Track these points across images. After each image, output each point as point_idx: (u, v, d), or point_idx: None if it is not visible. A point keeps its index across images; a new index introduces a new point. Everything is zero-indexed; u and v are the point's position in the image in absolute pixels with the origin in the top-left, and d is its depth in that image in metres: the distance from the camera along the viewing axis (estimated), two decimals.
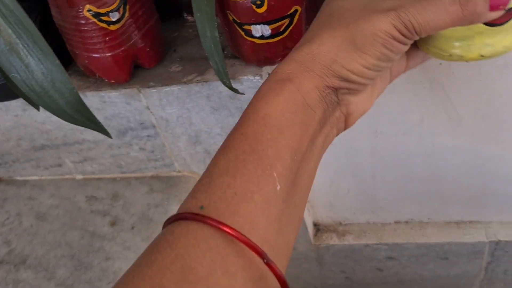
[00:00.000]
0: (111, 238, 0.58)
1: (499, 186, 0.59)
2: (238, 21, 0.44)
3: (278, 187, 0.28)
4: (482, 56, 0.34)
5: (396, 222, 0.68)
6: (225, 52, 0.52)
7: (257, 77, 0.48)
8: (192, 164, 0.61)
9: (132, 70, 0.53)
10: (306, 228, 0.68)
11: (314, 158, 0.32)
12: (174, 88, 0.51)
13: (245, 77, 0.48)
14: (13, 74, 0.30)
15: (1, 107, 0.59)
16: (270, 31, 0.44)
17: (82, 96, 0.53)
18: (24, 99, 0.36)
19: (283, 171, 0.28)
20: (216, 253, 0.25)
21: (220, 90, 0.50)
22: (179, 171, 0.63)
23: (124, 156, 0.62)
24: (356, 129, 0.54)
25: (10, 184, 0.70)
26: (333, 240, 0.69)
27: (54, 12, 0.48)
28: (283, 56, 0.46)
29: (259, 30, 0.44)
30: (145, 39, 0.50)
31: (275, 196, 0.28)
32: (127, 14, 0.47)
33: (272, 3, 0.42)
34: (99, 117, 0.56)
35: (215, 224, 0.26)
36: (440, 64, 0.47)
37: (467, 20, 0.29)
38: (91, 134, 0.60)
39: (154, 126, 0.56)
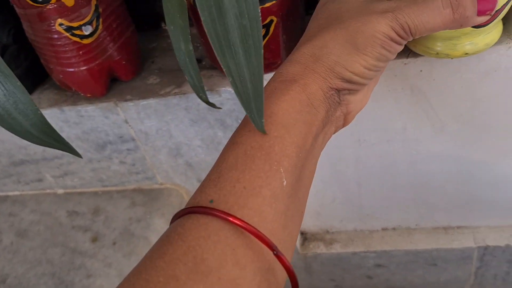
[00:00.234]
0: (92, 255, 0.57)
1: (485, 191, 0.58)
2: None
3: (285, 183, 0.29)
4: (466, 54, 0.38)
5: (384, 229, 0.68)
6: (203, 63, 0.51)
7: None
8: (174, 177, 0.60)
9: (109, 83, 0.52)
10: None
11: (316, 155, 0.33)
12: (152, 101, 0.50)
13: (223, 88, 0.47)
14: None
15: None
16: None
17: (59, 111, 0.53)
18: None
19: (289, 167, 0.29)
20: (227, 244, 0.26)
21: (198, 102, 0.49)
22: (161, 183, 0.62)
23: (104, 170, 0.61)
24: (340, 138, 0.54)
25: None
26: (321, 249, 0.68)
27: (25, 26, 0.47)
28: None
29: None
30: (121, 52, 0.49)
31: (282, 191, 0.29)
32: (100, 27, 0.46)
33: None
34: (77, 131, 0.55)
35: (225, 217, 0.26)
36: (421, 71, 0.46)
37: (457, 23, 0.31)
38: None
39: (133, 139, 0.55)
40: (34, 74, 0.56)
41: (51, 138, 0.31)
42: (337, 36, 0.32)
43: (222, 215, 0.26)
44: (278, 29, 0.43)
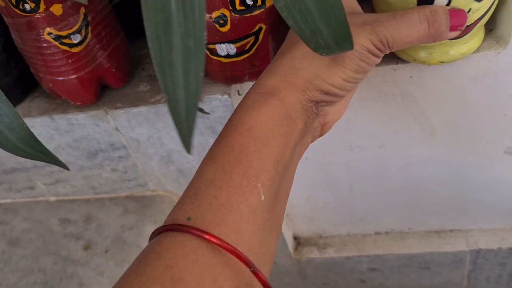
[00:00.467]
0: (84, 263, 0.56)
1: (477, 194, 0.58)
2: None
3: (262, 198, 0.29)
4: (442, 62, 0.40)
5: (377, 233, 0.68)
6: None
7: (225, 96, 0.47)
8: (166, 184, 0.60)
9: (99, 91, 0.51)
10: (285, 242, 0.67)
11: (293, 166, 0.34)
12: (142, 109, 0.50)
13: (213, 95, 0.47)
14: None
15: None
16: (235, 49, 0.43)
17: (49, 119, 0.53)
18: None
19: (266, 181, 0.29)
20: (204, 263, 0.26)
21: None
22: (153, 190, 0.62)
23: (96, 177, 0.61)
24: (331, 143, 0.54)
25: None
26: (314, 254, 0.68)
27: (14, 35, 0.47)
28: (251, 74, 0.45)
29: (224, 49, 0.43)
30: (111, 60, 0.49)
31: (260, 206, 0.29)
32: (89, 36, 0.46)
33: (236, 21, 0.41)
34: (68, 139, 0.55)
35: (202, 235, 0.26)
36: (411, 77, 0.46)
37: (432, 37, 0.33)
38: (59, 157, 0.58)
39: (125, 147, 0.55)
40: (24, 83, 0.55)
41: (37, 151, 0.31)
42: None
43: (199, 233, 0.26)
44: (267, 36, 0.43)
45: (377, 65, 0.35)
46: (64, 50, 0.46)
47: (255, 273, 0.27)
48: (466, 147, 0.52)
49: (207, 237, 0.26)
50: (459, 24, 0.33)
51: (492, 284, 0.69)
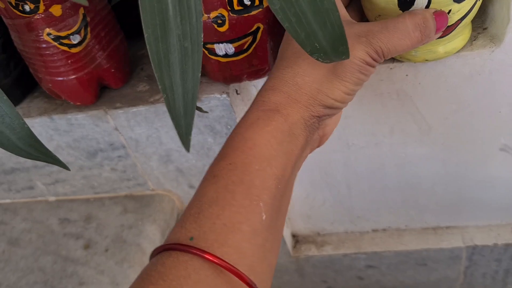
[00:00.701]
0: (84, 262, 0.57)
1: (473, 191, 0.59)
2: None
3: (264, 217, 0.29)
4: (426, 60, 0.42)
5: (374, 231, 0.68)
6: None
7: (224, 95, 0.47)
8: (165, 183, 0.61)
9: (99, 91, 0.52)
10: (284, 240, 0.68)
11: (293, 181, 0.34)
12: (142, 109, 0.50)
13: (212, 95, 0.47)
14: None
15: None
16: (233, 49, 0.43)
17: (49, 119, 0.53)
18: None
19: (268, 200, 0.30)
20: (206, 283, 0.27)
21: None
22: (153, 190, 0.62)
23: (96, 177, 0.61)
24: (329, 142, 0.54)
25: None
26: (312, 251, 0.69)
27: (13, 36, 0.47)
28: (249, 73, 0.46)
29: (222, 48, 0.43)
30: (110, 60, 0.50)
31: (261, 226, 0.29)
32: (89, 36, 0.47)
33: (233, 21, 0.41)
34: (68, 139, 0.55)
35: (205, 256, 0.27)
36: (407, 75, 0.47)
37: (423, 43, 0.35)
38: (59, 157, 0.58)
39: (124, 147, 0.56)
40: (24, 83, 0.56)
41: (38, 152, 0.31)
42: (318, 65, 0.33)
43: (201, 254, 0.27)
44: (265, 36, 0.43)
45: None
46: (64, 51, 0.46)
47: None
48: (462, 145, 0.53)
49: (209, 257, 0.27)
50: (441, 26, 0.34)
51: (488, 280, 0.70)
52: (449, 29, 0.37)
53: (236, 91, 0.49)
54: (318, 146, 0.38)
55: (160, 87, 0.28)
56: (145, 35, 0.28)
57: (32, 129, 0.55)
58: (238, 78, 0.46)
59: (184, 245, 0.28)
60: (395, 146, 0.54)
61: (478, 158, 0.54)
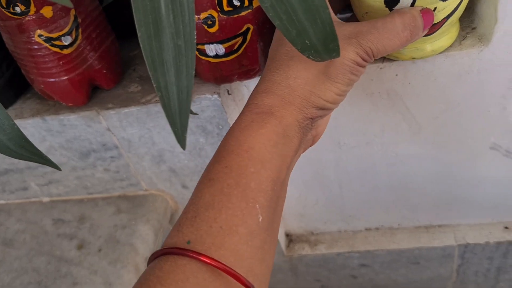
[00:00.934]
0: (78, 262, 0.57)
1: (463, 190, 0.59)
2: None
3: (260, 218, 0.29)
4: (413, 58, 0.42)
5: (367, 229, 0.69)
6: None
7: (215, 95, 0.47)
8: (158, 183, 0.61)
9: (91, 92, 0.52)
10: (278, 240, 0.68)
11: (287, 181, 0.34)
12: (133, 109, 0.50)
13: (203, 95, 0.48)
14: None
15: None
16: (224, 49, 0.43)
17: (41, 120, 0.53)
18: None
19: (265, 202, 0.30)
20: (205, 286, 0.27)
21: None
22: (146, 190, 0.63)
23: (89, 178, 0.61)
24: (321, 141, 0.55)
25: None
26: (306, 250, 0.69)
27: (5, 38, 0.47)
28: (240, 73, 0.46)
29: (212, 49, 0.43)
30: (102, 61, 0.50)
31: (258, 227, 0.29)
32: (80, 37, 0.47)
33: (223, 22, 0.41)
34: (60, 140, 0.55)
35: (203, 259, 0.27)
36: (397, 75, 0.47)
37: (412, 41, 0.35)
38: (52, 158, 0.59)
39: (117, 147, 0.56)
40: (16, 85, 0.56)
41: (29, 152, 0.31)
42: (310, 67, 0.33)
43: (199, 257, 0.27)
44: (255, 36, 0.43)
45: None
46: (55, 52, 0.46)
47: None
48: (452, 144, 0.53)
49: (207, 260, 0.27)
50: (427, 24, 0.35)
51: (481, 278, 0.70)
52: (435, 27, 0.37)
53: (228, 91, 0.49)
54: (310, 146, 0.38)
55: (154, 85, 0.29)
56: (138, 34, 0.28)
57: (25, 130, 0.55)
58: (228, 79, 0.47)
59: (182, 248, 0.28)
60: (386, 146, 0.55)
61: (469, 157, 0.55)
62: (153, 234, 0.59)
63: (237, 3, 0.41)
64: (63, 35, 0.45)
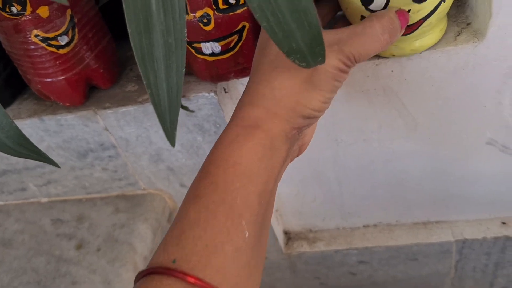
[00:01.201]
0: (77, 262, 0.57)
1: (460, 186, 0.60)
2: (187, 40, 0.44)
3: (247, 234, 0.29)
4: (393, 55, 0.44)
5: (365, 226, 0.69)
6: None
7: (212, 94, 0.48)
8: (157, 182, 0.61)
9: (88, 92, 0.52)
10: (276, 237, 0.68)
11: (275, 192, 0.34)
12: (131, 109, 0.50)
13: (200, 94, 0.48)
14: None
15: None
16: (220, 48, 0.44)
17: (38, 121, 0.53)
18: None
19: (251, 218, 0.30)
20: None
21: None
22: (144, 189, 0.63)
23: (87, 177, 0.61)
24: (318, 138, 0.55)
25: None
26: (304, 248, 0.70)
27: (1, 38, 0.47)
28: (236, 71, 0.46)
29: (208, 47, 0.44)
30: (99, 61, 0.50)
31: (244, 244, 0.29)
32: (76, 37, 0.47)
33: (219, 20, 0.42)
34: (58, 140, 0.55)
35: (188, 279, 0.27)
36: (392, 71, 0.47)
37: (391, 43, 0.36)
38: None
39: (114, 147, 0.56)
40: (13, 85, 0.56)
41: (27, 150, 0.31)
42: (294, 76, 0.33)
43: (184, 277, 0.27)
44: (251, 34, 0.44)
45: None
46: (52, 52, 0.46)
47: None
48: (449, 140, 0.53)
49: (192, 280, 0.27)
50: (403, 25, 0.35)
51: (479, 274, 0.70)
52: (411, 27, 0.38)
53: (224, 89, 0.49)
54: (297, 156, 0.38)
55: (144, 82, 0.29)
56: (129, 30, 0.28)
57: (23, 131, 0.55)
58: (225, 77, 0.47)
59: (167, 268, 0.28)
60: (383, 142, 0.55)
61: (465, 153, 0.55)
62: (152, 233, 0.59)
63: (232, 1, 0.41)
64: (60, 35, 0.46)
